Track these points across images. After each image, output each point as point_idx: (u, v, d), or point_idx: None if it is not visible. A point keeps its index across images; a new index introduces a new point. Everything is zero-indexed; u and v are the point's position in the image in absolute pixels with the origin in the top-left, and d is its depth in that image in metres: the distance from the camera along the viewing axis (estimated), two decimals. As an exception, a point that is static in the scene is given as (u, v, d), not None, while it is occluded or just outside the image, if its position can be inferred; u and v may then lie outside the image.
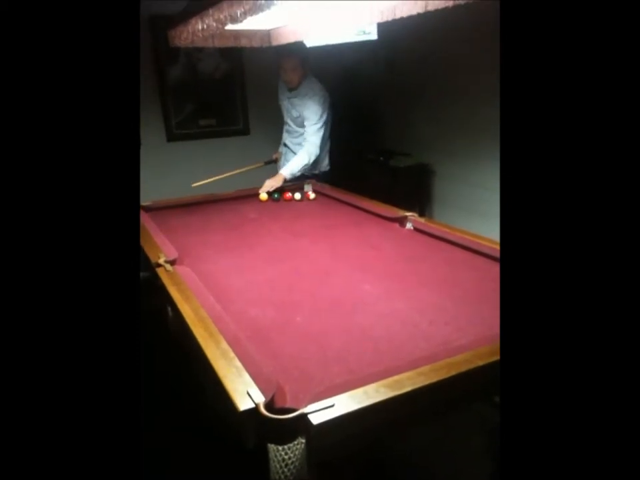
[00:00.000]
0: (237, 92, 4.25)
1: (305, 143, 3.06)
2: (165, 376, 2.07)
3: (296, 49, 2.84)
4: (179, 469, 1.67)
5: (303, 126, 3.13)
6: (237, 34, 2.38)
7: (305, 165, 3.01)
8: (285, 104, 3.25)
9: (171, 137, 4.14)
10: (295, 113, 3.17)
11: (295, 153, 3.19)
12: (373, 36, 3.62)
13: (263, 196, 2.90)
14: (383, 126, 4.34)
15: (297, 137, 3.25)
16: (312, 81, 3.10)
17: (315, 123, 3.02)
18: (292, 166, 3.00)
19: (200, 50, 4.00)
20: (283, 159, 3.40)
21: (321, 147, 3.09)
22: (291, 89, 3.13)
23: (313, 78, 3.12)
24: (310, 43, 3.08)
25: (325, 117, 3.05)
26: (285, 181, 2.95)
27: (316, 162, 3.12)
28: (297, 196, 2.90)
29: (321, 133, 3.04)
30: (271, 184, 2.92)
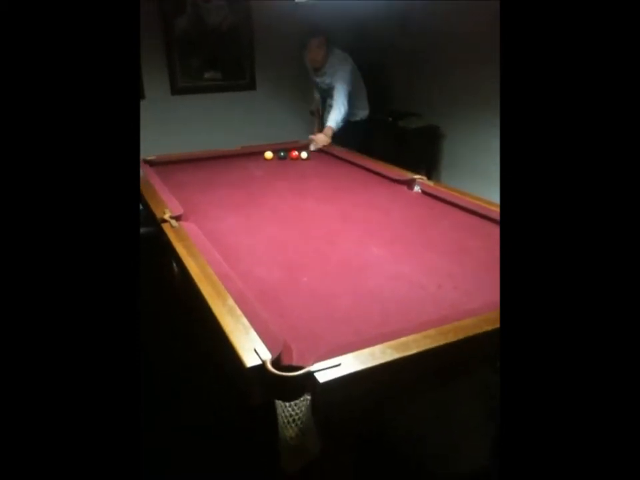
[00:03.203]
0: (244, 45, 4.13)
1: (334, 101, 3.21)
2: (165, 376, 2.08)
3: (319, 28, 3.18)
4: (179, 469, 1.68)
5: None
6: (246, -18, 2.28)
7: (344, 115, 3.15)
8: (317, 84, 3.49)
9: (176, 91, 4.05)
10: (325, 86, 3.39)
11: None
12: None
13: (268, 154, 2.86)
14: (392, 86, 4.23)
15: None
16: (335, 55, 3.26)
17: (342, 84, 3.18)
18: (335, 117, 3.12)
19: (207, 0, 3.87)
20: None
21: (352, 101, 3.25)
22: (316, 69, 3.35)
23: (335, 51, 3.27)
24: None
25: (350, 82, 3.23)
26: (333, 132, 3.09)
27: (353, 113, 3.34)
28: (304, 155, 2.86)
29: (347, 91, 3.19)
30: (324, 139, 3.03)
